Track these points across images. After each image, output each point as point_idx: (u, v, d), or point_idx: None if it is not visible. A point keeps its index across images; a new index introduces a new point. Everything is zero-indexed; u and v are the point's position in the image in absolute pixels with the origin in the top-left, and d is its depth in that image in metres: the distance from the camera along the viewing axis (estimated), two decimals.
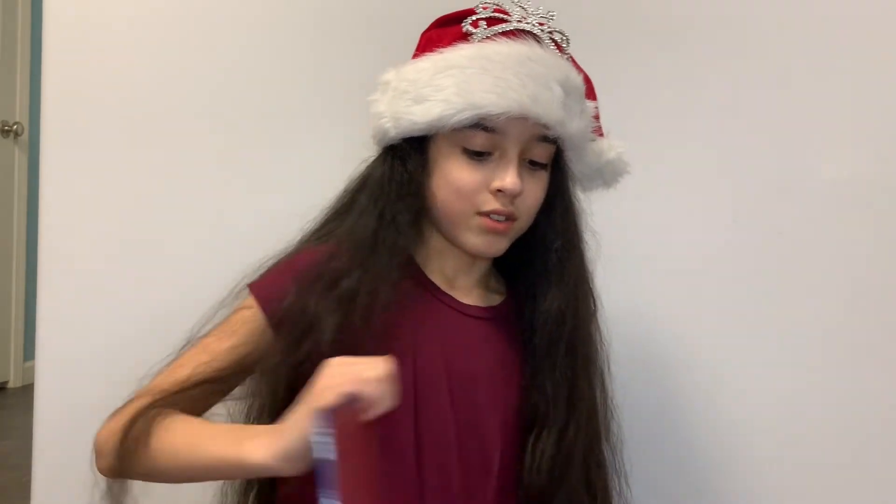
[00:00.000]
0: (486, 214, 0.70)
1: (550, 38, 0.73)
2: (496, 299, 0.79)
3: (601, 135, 0.79)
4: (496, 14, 0.72)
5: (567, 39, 0.75)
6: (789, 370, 0.98)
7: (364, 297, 0.67)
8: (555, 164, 0.75)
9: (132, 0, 1.04)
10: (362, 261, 0.69)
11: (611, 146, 0.79)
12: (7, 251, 2.83)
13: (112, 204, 1.03)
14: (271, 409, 0.67)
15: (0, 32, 2.78)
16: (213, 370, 0.69)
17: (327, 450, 0.52)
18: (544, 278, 0.75)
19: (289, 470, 0.57)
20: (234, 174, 1.03)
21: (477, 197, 0.71)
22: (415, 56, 0.75)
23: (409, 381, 0.69)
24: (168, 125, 1.04)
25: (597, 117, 0.78)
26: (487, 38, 0.71)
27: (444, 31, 0.74)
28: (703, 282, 1.00)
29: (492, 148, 0.70)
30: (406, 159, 0.73)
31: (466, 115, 0.68)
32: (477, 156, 0.70)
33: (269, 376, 0.68)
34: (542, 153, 0.72)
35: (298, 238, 0.77)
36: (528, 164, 0.72)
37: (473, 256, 0.75)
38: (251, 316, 0.71)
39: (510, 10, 0.73)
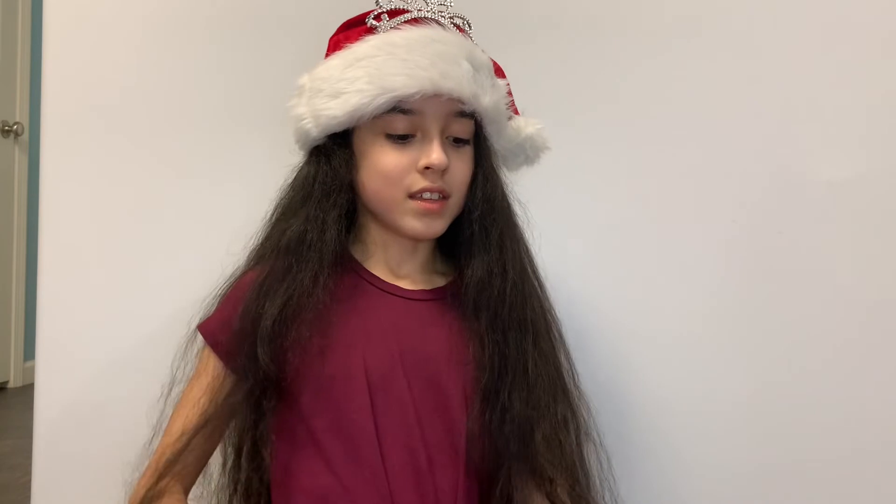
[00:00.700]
0: (419, 195, 0.72)
1: (452, 23, 0.76)
2: (442, 281, 0.80)
3: (517, 112, 0.82)
4: (397, 6, 0.75)
5: (468, 23, 0.79)
6: (790, 370, 0.98)
7: (296, 304, 0.70)
8: (476, 140, 0.77)
9: (132, 0, 1.04)
10: (292, 266, 0.71)
11: (528, 122, 0.82)
12: (7, 251, 2.83)
13: (112, 204, 1.03)
14: (252, 437, 0.73)
15: (0, 32, 2.78)
16: (197, 416, 0.73)
17: None
18: (468, 249, 0.76)
19: None
20: (236, 174, 1.03)
21: (405, 179, 0.72)
22: (325, 58, 0.77)
23: (360, 371, 0.71)
24: (168, 125, 1.04)
25: (509, 94, 0.80)
26: (392, 28, 0.74)
27: (351, 32, 0.76)
28: (704, 282, 1.00)
29: (413, 130, 0.72)
30: (331, 156, 0.75)
31: (382, 100, 0.70)
32: (400, 140, 0.73)
33: (238, 408, 0.72)
34: (462, 129, 0.74)
35: (245, 259, 0.80)
36: (452, 142, 0.74)
37: (415, 241, 0.77)
38: (206, 354, 0.76)
39: (410, 5, 0.76)
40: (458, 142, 0.75)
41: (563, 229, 1.00)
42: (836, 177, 0.97)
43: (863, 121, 0.97)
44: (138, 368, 1.01)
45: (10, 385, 2.86)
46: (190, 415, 0.74)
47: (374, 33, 0.74)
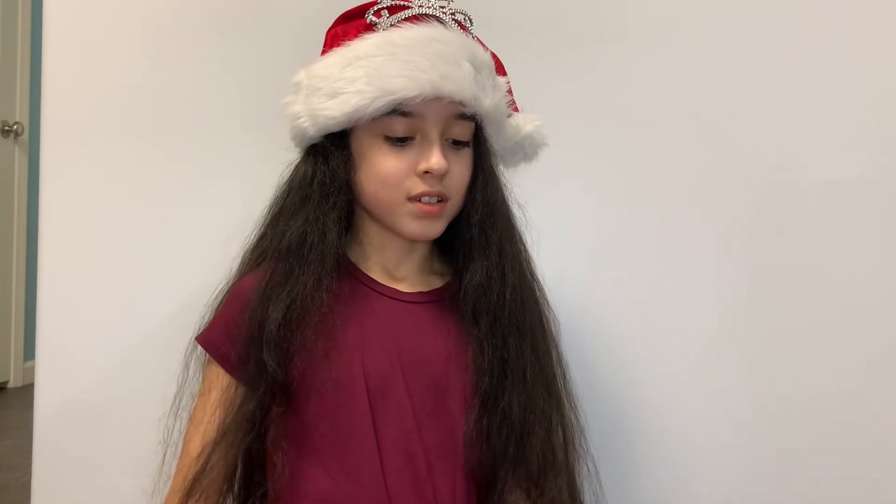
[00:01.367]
0: (417, 199, 0.71)
1: (453, 20, 0.74)
2: (439, 282, 0.79)
3: (516, 110, 0.81)
4: (398, 2, 0.73)
5: (469, 19, 0.77)
6: (789, 371, 0.98)
7: (300, 307, 0.69)
8: (475, 141, 0.76)
9: (132, 0, 1.04)
10: (294, 269, 0.70)
11: (527, 119, 0.80)
12: (7, 251, 2.83)
13: (112, 204, 1.03)
14: (263, 444, 0.71)
15: (0, 32, 2.78)
16: (214, 430, 0.72)
17: None
18: (467, 253, 0.75)
19: None
20: (236, 174, 1.03)
21: (405, 183, 0.71)
22: (323, 53, 0.76)
23: (360, 376, 0.71)
24: (169, 125, 1.04)
25: (510, 92, 0.79)
26: (392, 25, 0.72)
27: (349, 26, 0.74)
28: (704, 282, 1.00)
29: (412, 132, 0.71)
30: (328, 157, 0.73)
31: (381, 103, 0.68)
32: (399, 142, 0.71)
33: (255, 416, 0.71)
34: (462, 131, 0.73)
35: (239, 262, 0.79)
36: (451, 144, 0.73)
37: (412, 242, 0.76)
38: (213, 368, 0.75)
39: (411, 0, 0.74)
40: (457, 144, 0.74)
41: (562, 230, 1.00)
42: (836, 177, 0.97)
43: (863, 121, 0.97)
44: (138, 368, 1.01)
45: (10, 385, 2.86)
46: (207, 430, 0.72)
47: (373, 30, 0.72)
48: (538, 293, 0.80)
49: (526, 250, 0.79)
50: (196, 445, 0.73)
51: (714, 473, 0.99)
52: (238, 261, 0.79)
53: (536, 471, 0.72)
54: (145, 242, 1.03)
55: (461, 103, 0.71)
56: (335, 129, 0.72)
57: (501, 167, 0.81)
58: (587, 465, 0.81)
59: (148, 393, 0.99)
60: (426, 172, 0.71)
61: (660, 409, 1.00)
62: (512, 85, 0.80)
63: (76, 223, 1.03)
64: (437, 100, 0.69)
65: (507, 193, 0.78)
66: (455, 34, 0.72)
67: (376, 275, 0.77)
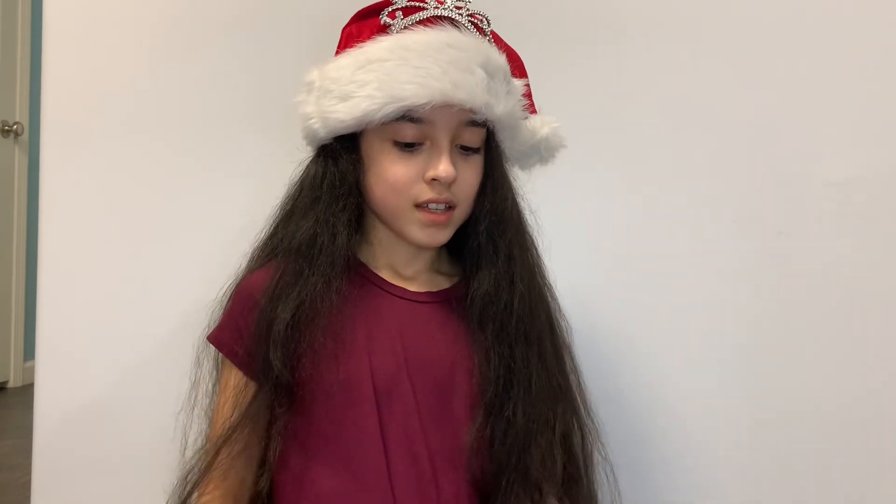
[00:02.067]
0: (425, 206, 0.71)
1: (470, 21, 0.73)
2: (447, 283, 0.79)
3: (534, 111, 0.79)
4: (413, 3, 0.72)
5: (486, 20, 0.75)
6: (789, 371, 0.98)
7: (309, 308, 0.69)
8: (487, 146, 0.75)
9: (132, 0, 1.04)
10: (304, 270, 0.70)
11: (544, 122, 0.79)
12: (7, 251, 2.83)
13: (112, 204, 1.03)
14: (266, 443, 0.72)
15: (0, 32, 2.78)
16: (230, 431, 0.71)
17: None
18: (475, 260, 0.75)
19: None
20: (237, 174, 1.03)
21: (412, 189, 0.71)
22: (337, 53, 0.75)
23: (367, 377, 0.70)
24: (169, 125, 1.04)
25: (528, 94, 0.77)
26: (406, 28, 0.71)
27: (363, 25, 0.74)
28: (704, 281, 1.00)
29: (422, 138, 0.70)
30: (338, 158, 0.73)
31: (391, 109, 0.68)
32: (408, 147, 0.71)
33: (262, 417, 0.71)
34: (472, 138, 0.72)
35: (248, 257, 0.79)
36: (461, 150, 0.72)
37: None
38: (226, 366, 0.75)
39: (426, 2, 0.73)
40: (466, 149, 0.73)
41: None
42: (836, 177, 0.97)
43: (863, 121, 0.97)
44: (138, 368, 1.01)
45: (10, 385, 2.86)
46: (223, 428, 0.73)
47: (387, 32, 0.71)
48: (549, 299, 0.79)
49: (537, 255, 0.78)
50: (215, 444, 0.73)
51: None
52: (247, 258, 0.79)
53: (538, 478, 0.72)
54: (145, 242, 1.03)
55: (472, 111, 0.70)
56: (345, 131, 0.72)
57: (516, 169, 0.80)
58: (605, 473, 0.80)
59: (148, 393, 0.99)
60: (434, 179, 0.70)
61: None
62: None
63: (76, 223, 1.03)
64: (447, 106, 0.69)
65: (518, 198, 0.77)
66: (469, 38, 0.71)
67: (385, 274, 0.77)
